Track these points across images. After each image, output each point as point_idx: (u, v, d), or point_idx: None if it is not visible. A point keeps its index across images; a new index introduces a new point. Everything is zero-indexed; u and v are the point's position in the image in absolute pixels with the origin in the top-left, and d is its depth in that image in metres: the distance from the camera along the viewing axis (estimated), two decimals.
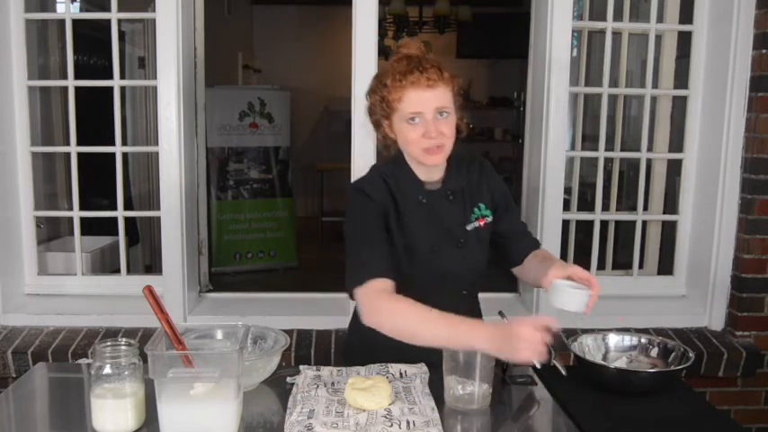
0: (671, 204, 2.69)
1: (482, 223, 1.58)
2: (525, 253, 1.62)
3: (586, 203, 2.75)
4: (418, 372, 1.50)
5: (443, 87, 1.43)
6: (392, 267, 1.42)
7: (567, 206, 2.55)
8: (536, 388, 1.51)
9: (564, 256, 2.50)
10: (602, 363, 1.58)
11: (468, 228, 1.57)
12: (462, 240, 1.55)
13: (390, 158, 1.58)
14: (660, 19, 2.52)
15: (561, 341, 1.94)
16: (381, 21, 6.11)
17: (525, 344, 1.22)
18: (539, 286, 1.52)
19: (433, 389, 1.43)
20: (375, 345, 1.48)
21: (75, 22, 2.45)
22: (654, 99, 2.61)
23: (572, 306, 1.38)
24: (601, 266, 2.66)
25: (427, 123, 1.42)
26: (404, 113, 1.44)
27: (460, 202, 1.57)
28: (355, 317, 1.60)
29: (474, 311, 1.66)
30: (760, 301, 2.35)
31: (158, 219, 2.37)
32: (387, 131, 1.52)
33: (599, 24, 2.51)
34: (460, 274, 1.57)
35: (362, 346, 1.62)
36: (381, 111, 1.48)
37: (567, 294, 1.38)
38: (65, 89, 2.47)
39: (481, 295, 1.71)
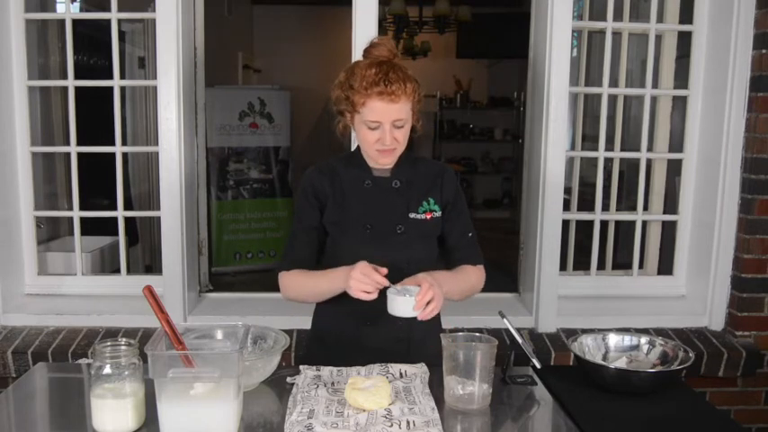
0: (671, 204, 2.69)
1: (429, 217, 1.64)
2: (455, 264, 1.71)
3: (586, 203, 2.75)
4: (418, 372, 1.50)
5: (404, 101, 1.52)
6: (305, 259, 1.65)
7: (567, 206, 2.55)
8: (536, 388, 1.51)
9: (564, 256, 2.50)
10: (602, 363, 1.58)
11: (411, 216, 1.62)
12: (402, 227, 1.61)
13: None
14: (660, 19, 2.52)
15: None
16: (381, 21, 6.10)
17: (354, 281, 1.45)
18: None
19: (433, 389, 1.43)
20: (324, 334, 1.71)
21: (75, 22, 2.45)
22: (654, 99, 2.61)
23: (399, 311, 1.46)
24: (601, 266, 2.66)
25: (384, 132, 1.53)
26: (365, 117, 1.53)
27: (407, 192, 1.64)
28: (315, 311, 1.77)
29: None
30: (760, 301, 2.35)
31: (158, 219, 2.37)
32: (348, 123, 1.61)
33: (599, 24, 2.51)
34: (398, 260, 1.60)
35: (314, 336, 1.77)
36: (346, 106, 1.57)
37: (392, 301, 1.47)
38: (65, 89, 2.48)
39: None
